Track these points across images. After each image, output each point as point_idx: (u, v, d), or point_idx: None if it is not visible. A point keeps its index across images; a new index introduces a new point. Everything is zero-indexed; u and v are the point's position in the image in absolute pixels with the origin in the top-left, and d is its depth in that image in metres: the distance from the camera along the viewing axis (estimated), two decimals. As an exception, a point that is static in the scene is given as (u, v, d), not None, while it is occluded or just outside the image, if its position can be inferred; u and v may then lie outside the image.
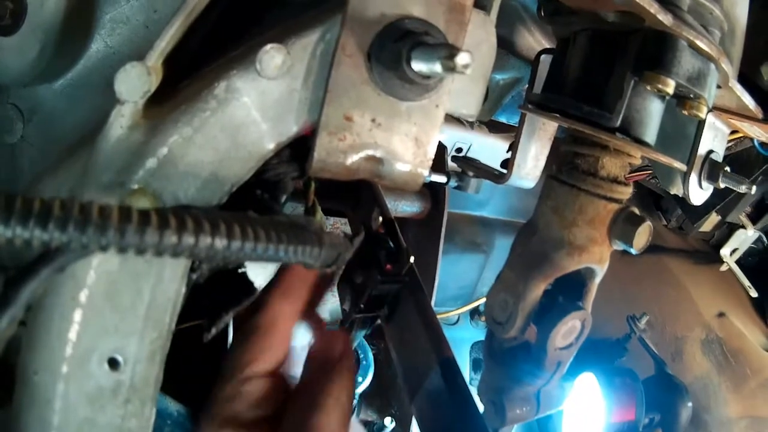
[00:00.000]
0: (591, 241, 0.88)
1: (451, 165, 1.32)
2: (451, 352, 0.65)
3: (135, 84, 0.59)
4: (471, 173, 1.24)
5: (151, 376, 0.64)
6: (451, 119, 1.45)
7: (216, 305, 0.65)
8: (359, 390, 1.38)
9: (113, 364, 0.62)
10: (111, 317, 0.60)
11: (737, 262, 2.02)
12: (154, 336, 0.63)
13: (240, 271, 0.69)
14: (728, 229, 2.03)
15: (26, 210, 0.38)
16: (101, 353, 0.61)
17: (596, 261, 0.90)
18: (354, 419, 0.72)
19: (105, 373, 0.62)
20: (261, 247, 0.49)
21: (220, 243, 0.46)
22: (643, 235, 0.87)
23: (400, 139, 0.68)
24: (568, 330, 0.90)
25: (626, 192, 0.89)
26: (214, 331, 0.64)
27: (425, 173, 0.71)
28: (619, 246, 0.89)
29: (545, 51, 1.01)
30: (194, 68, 0.68)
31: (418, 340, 0.66)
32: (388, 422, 1.46)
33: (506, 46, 1.12)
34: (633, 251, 0.87)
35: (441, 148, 1.31)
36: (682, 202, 1.86)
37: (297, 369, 0.72)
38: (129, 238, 0.41)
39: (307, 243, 0.54)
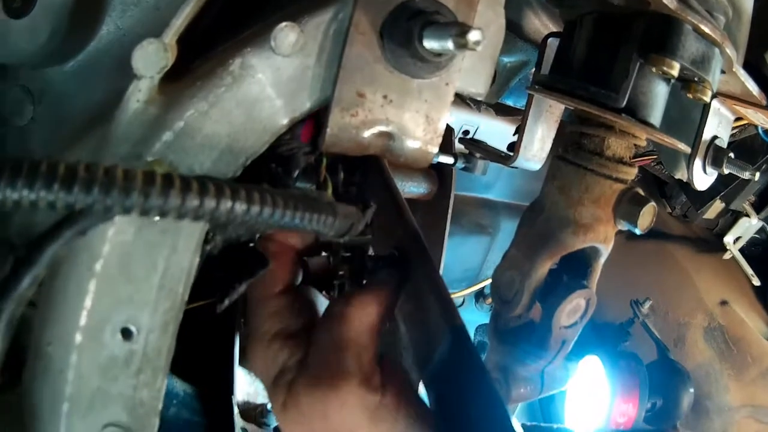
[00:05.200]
0: (596, 220, 0.89)
1: (458, 147, 1.33)
2: (462, 321, 0.66)
3: (152, 60, 0.60)
4: (478, 155, 1.25)
5: (163, 346, 0.65)
6: (459, 102, 1.46)
7: (229, 277, 0.66)
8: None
9: (126, 334, 0.63)
10: (125, 287, 0.61)
11: (741, 251, 2.02)
12: (167, 306, 0.64)
13: (252, 244, 0.70)
14: (732, 218, 2.03)
15: (52, 173, 0.39)
16: (115, 323, 0.62)
17: (601, 240, 0.91)
18: None
19: (118, 342, 0.63)
20: (278, 213, 0.50)
21: (239, 207, 0.47)
22: (647, 216, 0.88)
23: (411, 116, 0.69)
24: (573, 308, 0.91)
25: (631, 173, 0.90)
26: (227, 302, 0.65)
27: (435, 150, 0.72)
28: (623, 226, 0.90)
29: (552, 34, 1.02)
30: (206, 49, 0.69)
31: (428, 310, 0.67)
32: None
33: (514, 29, 1.13)
34: (637, 231, 0.88)
35: (448, 130, 1.31)
36: (687, 188, 1.86)
37: None
38: (153, 200, 0.42)
39: (321, 212, 0.55)
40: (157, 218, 0.47)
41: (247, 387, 1.38)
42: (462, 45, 0.55)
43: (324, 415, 0.63)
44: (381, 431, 0.64)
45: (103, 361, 0.62)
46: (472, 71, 0.74)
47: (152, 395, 0.66)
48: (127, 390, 0.64)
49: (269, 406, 1.32)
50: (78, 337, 0.61)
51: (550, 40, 1.01)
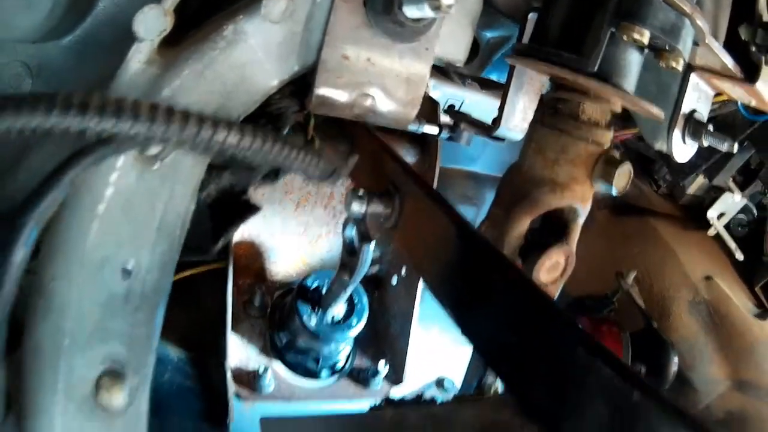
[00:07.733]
0: (573, 179, 0.92)
1: (444, 120, 1.37)
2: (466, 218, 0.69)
3: (152, 24, 0.65)
4: (462, 125, 1.28)
5: (160, 286, 0.70)
6: (444, 76, 1.49)
7: (221, 225, 0.70)
8: (354, 333, 1.42)
9: (126, 273, 0.67)
10: (126, 229, 0.66)
11: (726, 229, 2.04)
12: (165, 248, 0.69)
13: (243, 198, 0.75)
14: (717, 195, 2.04)
15: (67, 102, 0.44)
16: (115, 262, 0.67)
17: (578, 199, 0.94)
18: None
19: (118, 281, 0.67)
20: (268, 147, 0.54)
21: (233, 138, 0.51)
22: (623, 176, 0.92)
23: (393, 78, 0.74)
24: (552, 265, 0.95)
25: (606, 136, 0.93)
26: (220, 244, 0.70)
27: (415, 111, 0.77)
28: (600, 187, 0.94)
29: (533, 9, 1.06)
30: (201, 21, 0.73)
31: (431, 219, 0.71)
32: (382, 366, 1.50)
33: (496, 5, 1.17)
34: (614, 191, 0.92)
35: (433, 103, 1.35)
36: (669, 162, 1.89)
37: None
38: (156, 128, 0.47)
39: (308, 153, 0.60)
40: (158, 162, 0.52)
41: (240, 353, 1.42)
42: (437, 7, 0.59)
43: None
44: None
45: (103, 298, 0.67)
46: (451, 38, 0.78)
47: (149, 333, 0.71)
48: (125, 327, 0.68)
49: (261, 371, 1.36)
50: (80, 274, 0.65)
51: (530, 15, 1.05)
